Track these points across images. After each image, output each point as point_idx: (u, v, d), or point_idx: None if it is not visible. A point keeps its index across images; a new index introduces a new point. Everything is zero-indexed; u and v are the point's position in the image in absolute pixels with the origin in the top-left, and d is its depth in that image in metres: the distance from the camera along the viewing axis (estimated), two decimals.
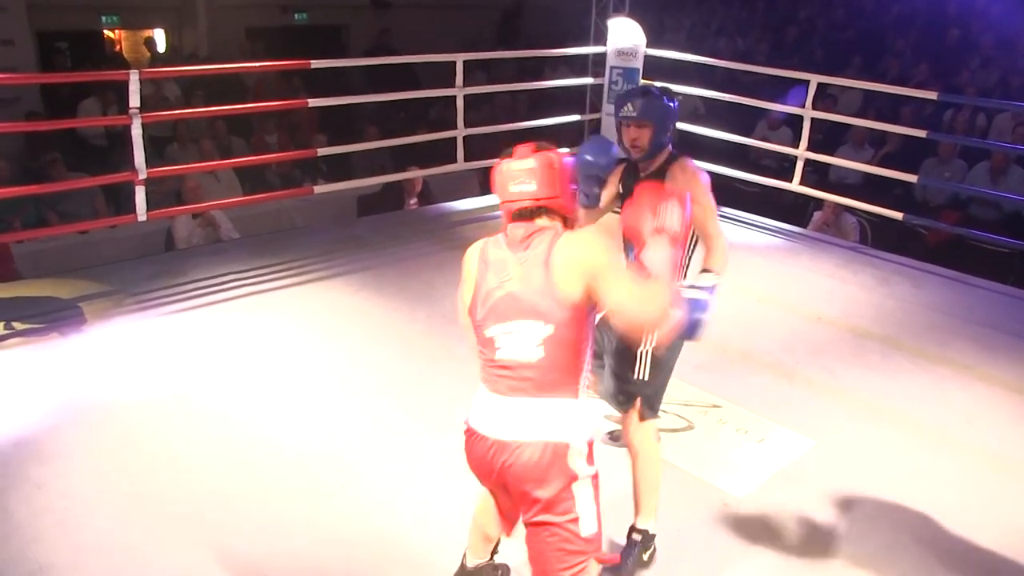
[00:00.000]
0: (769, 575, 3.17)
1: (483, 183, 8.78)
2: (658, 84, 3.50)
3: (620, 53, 7.79)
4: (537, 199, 2.41)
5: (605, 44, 7.94)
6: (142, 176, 5.38)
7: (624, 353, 3.10)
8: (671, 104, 3.18)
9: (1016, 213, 7.62)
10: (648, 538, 3.18)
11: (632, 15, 7.95)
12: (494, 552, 2.90)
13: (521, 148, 2.45)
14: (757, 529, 3.42)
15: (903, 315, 5.61)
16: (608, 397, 3.25)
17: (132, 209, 5.48)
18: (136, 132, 5.27)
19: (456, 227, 6.83)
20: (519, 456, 2.34)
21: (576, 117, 8.29)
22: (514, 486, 2.39)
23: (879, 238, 7.32)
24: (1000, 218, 7.62)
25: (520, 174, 2.41)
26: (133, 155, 5.34)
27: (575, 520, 2.36)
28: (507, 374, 2.38)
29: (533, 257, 2.36)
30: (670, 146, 3.21)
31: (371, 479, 3.62)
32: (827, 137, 8.60)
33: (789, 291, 5.89)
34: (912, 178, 7.16)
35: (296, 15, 13.54)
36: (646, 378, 3.10)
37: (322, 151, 6.95)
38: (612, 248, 2.40)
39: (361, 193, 8.03)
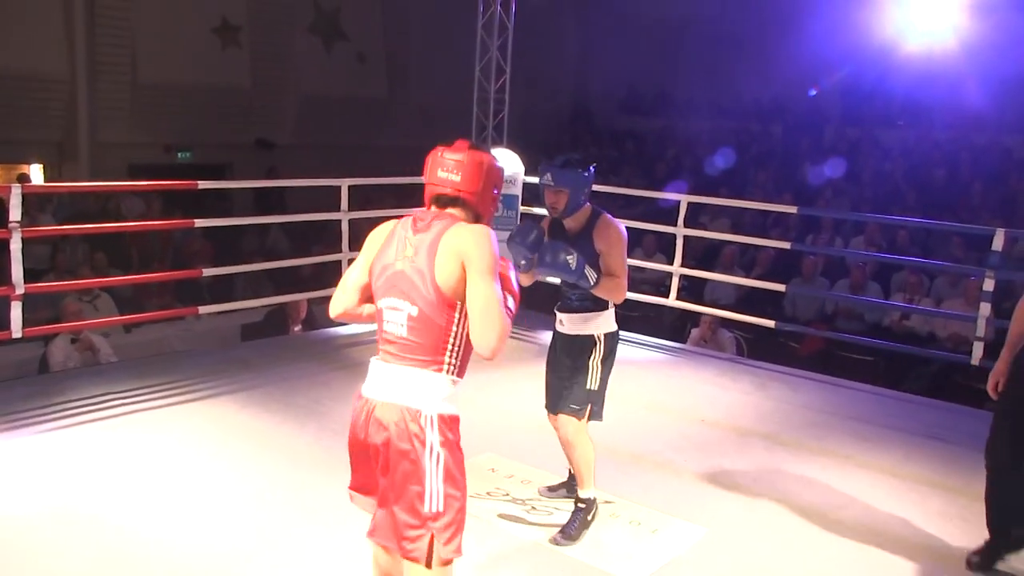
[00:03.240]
0: None
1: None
2: (576, 156, 3.83)
3: None
4: (458, 190, 2.57)
5: None
6: (19, 291, 5.24)
7: (578, 366, 3.77)
8: (584, 172, 3.70)
9: (877, 324, 8.13)
10: (590, 503, 3.89)
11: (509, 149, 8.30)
12: None
13: (459, 141, 2.62)
14: None
15: (782, 415, 5.84)
16: (561, 404, 3.81)
17: (6, 326, 5.29)
18: (15, 246, 5.15)
19: (342, 349, 6.79)
20: (380, 411, 2.50)
21: None
22: (372, 439, 2.51)
23: (754, 351, 7.65)
24: (863, 329, 8.09)
25: (450, 163, 2.57)
26: (11, 270, 5.19)
27: (420, 495, 2.45)
28: (388, 347, 2.56)
29: (425, 239, 2.51)
30: (588, 204, 3.78)
31: None
32: (699, 263, 9.05)
33: (673, 399, 6.06)
34: (780, 287, 7.37)
35: (180, 153, 13.63)
36: (595, 387, 3.79)
37: (207, 271, 6.87)
38: (493, 248, 2.50)
39: (245, 322, 7.95)
